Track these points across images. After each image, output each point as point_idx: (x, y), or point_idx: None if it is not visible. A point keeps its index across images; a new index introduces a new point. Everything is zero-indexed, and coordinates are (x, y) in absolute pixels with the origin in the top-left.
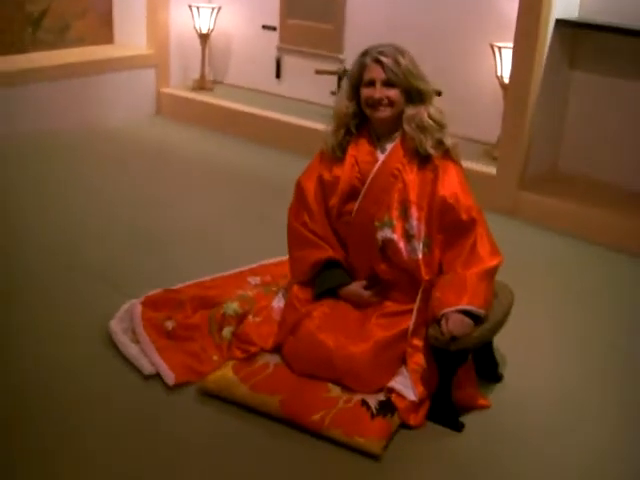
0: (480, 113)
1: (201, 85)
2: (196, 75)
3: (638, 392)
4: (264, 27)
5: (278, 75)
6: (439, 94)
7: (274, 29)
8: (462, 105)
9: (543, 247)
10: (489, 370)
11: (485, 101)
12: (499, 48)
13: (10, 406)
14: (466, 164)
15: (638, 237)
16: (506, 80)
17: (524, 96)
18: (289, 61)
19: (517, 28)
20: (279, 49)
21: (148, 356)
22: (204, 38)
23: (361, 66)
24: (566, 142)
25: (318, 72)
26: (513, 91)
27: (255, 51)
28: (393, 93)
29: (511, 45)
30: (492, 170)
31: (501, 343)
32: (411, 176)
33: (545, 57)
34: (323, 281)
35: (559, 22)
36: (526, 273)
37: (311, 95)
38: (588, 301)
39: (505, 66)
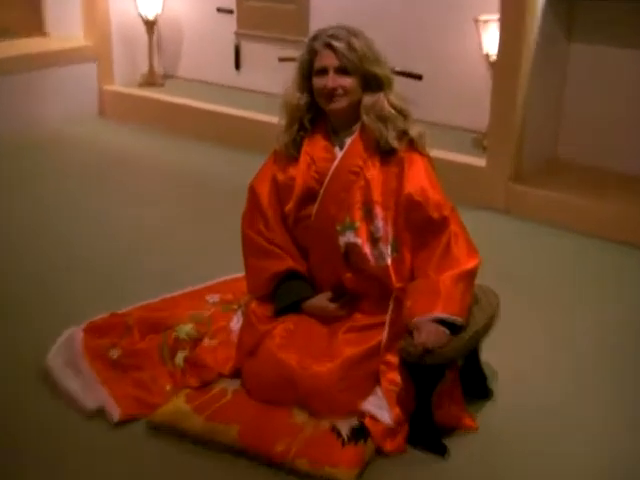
0: (466, 97)
1: (150, 80)
2: (144, 69)
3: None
4: (219, 10)
5: (237, 65)
6: (419, 78)
7: (231, 12)
8: (446, 89)
9: (541, 246)
10: (477, 385)
11: (471, 83)
12: (484, 22)
13: None
14: (452, 156)
15: None
16: (494, 58)
17: (514, 75)
18: (249, 48)
19: None
20: (237, 35)
21: (90, 390)
22: (151, 25)
23: (311, 52)
24: (566, 126)
25: (282, 60)
26: (501, 70)
27: (210, 38)
28: (348, 81)
29: (497, 17)
30: (481, 162)
31: (491, 354)
32: (373, 172)
33: (537, 28)
34: (283, 295)
35: None
36: (521, 276)
37: (275, 86)
38: (591, 304)
39: (492, 42)
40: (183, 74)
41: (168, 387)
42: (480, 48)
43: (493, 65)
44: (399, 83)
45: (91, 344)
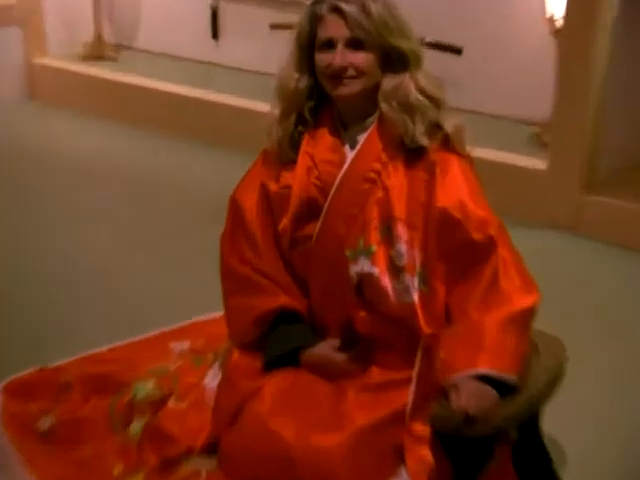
0: (521, 77)
1: (97, 52)
2: (88, 37)
3: None
4: None
5: (215, 34)
6: (459, 52)
7: None
8: (494, 67)
9: (621, 276)
10: (537, 467)
11: (529, 58)
12: None
13: None
14: (502, 156)
15: None
16: (560, 23)
17: (588, 46)
18: (231, 11)
19: None
20: None
21: (10, 472)
22: None
23: (313, 19)
24: None
25: (274, 27)
26: (571, 39)
27: None
28: (362, 58)
29: None
30: (542, 164)
31: (556, 425)
32: (395, 180)
33: None
34: (276, 342)
35: None
36: (596, 316)
37: (265, 63)
38: None
39: (558, 1)
40: (142, 45)
41: (117, 469)
42: (542, 9)
43: (559, 33)
44: (431, 59)
45: (13, 409)
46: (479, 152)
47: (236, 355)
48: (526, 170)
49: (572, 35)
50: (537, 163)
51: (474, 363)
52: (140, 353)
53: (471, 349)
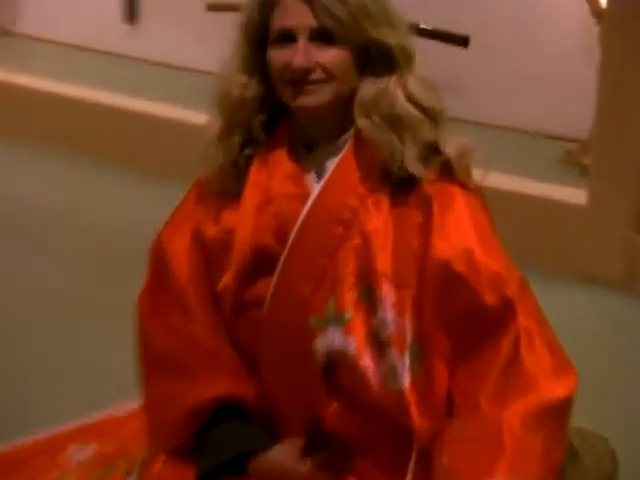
0: (550, 79)
1: None
2: None
3: None
4: None
5: (131, 17)
6: (464, 43)
7: None
8: (513, 64)
9: None
10: None
11: (561, 52)
12: None
13: None
14: (525, 185)
15: None
16: (604, 5)
17: None
18: None
19: None
20: None
21: None
22: None
23: (266, 2)
24: None
25: (212, 8)
26: (619, 24)
27: None
28: (332, 56)
29: None
30: (580, 195)
31: None
32: (378, 221)
33: None
34: (215, 446)
35: None
36: None
37: (200, 57)
38: None
39: None
40: (31, 30)
41: None
42: None
43: (602, 18)
44: (427, 55)
45: None
46: (492, 180)
47: (159, 464)
48: (559, 204)
49: (621, 18)
50: (573, 194)
51: (490, 473)
52: (25, 462)
53: (485, 454)
